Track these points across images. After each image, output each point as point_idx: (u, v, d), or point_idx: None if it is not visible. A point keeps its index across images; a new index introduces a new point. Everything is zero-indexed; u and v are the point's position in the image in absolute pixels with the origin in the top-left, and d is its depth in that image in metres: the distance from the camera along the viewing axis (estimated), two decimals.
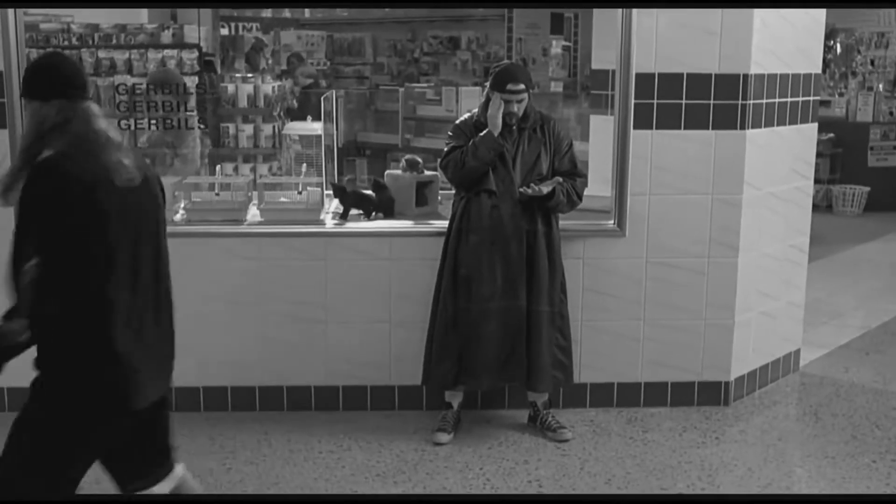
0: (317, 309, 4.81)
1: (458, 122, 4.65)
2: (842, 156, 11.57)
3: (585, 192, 4.58)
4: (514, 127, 4.45)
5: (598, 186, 4.68)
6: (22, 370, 4.10)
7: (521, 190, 4.40)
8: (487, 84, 4.51)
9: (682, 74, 4.74)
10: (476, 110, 4.58)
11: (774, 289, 5.28)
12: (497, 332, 4.47)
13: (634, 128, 4.76)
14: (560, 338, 4.60)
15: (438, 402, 4.78)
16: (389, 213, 4.99)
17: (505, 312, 4.46)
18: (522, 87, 4.39)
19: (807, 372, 5.65)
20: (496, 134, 4.40)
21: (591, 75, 5.97)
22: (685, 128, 4.78)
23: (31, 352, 2.67)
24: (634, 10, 4.66)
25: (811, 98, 5.29)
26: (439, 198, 5.17)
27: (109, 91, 6.82)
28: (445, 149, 4.55)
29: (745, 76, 4.76)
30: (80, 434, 2.69)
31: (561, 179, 4.47)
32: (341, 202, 4.99)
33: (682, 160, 4.81)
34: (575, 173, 4.55)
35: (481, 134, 4.44)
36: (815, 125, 5.43)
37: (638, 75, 4.72)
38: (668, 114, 4.76)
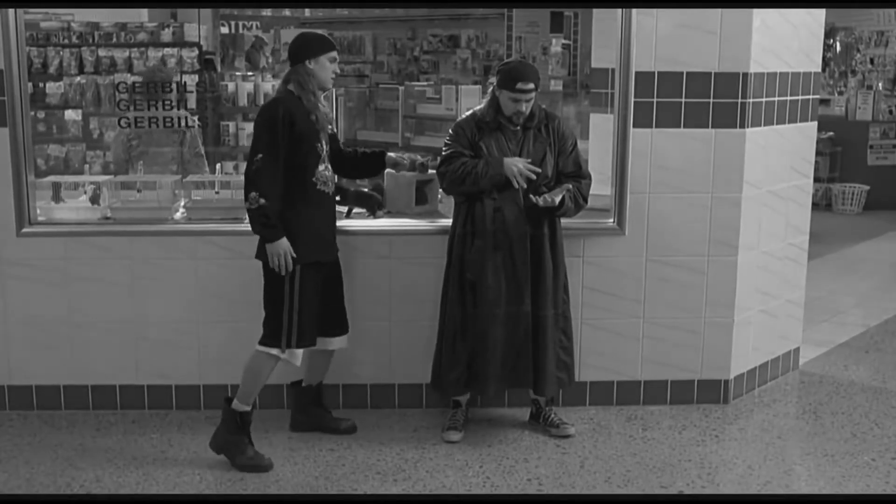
0: None
1: (459, 120, 4.56)
2: (841, 154, 11.58)
3: None
4: (519, 127, 4.41)
5: (597, 185, 4.67)
6: (22, 370, 4.10)
7: (532, 198, 4.33)
8: (493, 81, 4.42)
9: (682, 73, 4.74)
10: (480, 107, 4.49)
11: (774, 287, 5.28)
12: (503, 339, 4.44)
13: (634, 126, 4.76)
14: (563, 339, 4.59)
15: (438, 400, 4.79)
16: (370, 211, 4.96)
17: (510, 318, 4.43)
18: (532, 86, 4.31)
19: (806, 370, 5.66)
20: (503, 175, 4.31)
21: (591, 74, 5.97)
22: (685, 126, 4.79)
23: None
24: (634, 9, 4.66)
25: (811, 96, 5.30)
26: (439, 196, 5.16)
27: (110, 89, 6.85)
28: (444, 151, 4.45)
29: (745, 75, 4.76)
30: None
31: (570, 186, 4.43)
32: (342, 202, 4.96)
33: (682, 159, 4.81)
34: (579, 175, 4.50)
35: (491, 165, 4.31)
36: (815, 124, 5.43)
37: (638, 74, 4.72)
38: (667, 112, 4.76)
